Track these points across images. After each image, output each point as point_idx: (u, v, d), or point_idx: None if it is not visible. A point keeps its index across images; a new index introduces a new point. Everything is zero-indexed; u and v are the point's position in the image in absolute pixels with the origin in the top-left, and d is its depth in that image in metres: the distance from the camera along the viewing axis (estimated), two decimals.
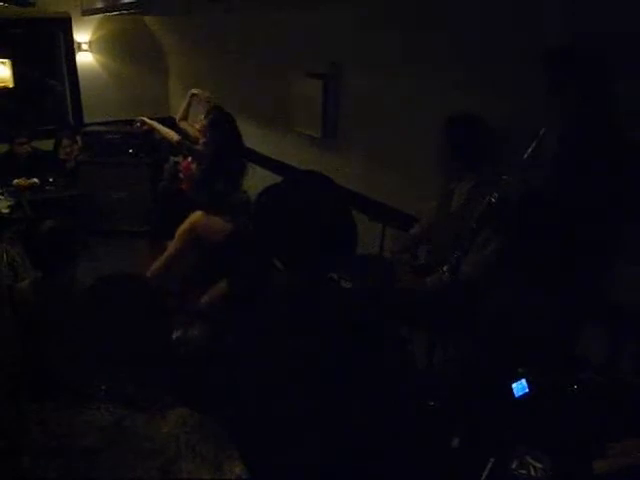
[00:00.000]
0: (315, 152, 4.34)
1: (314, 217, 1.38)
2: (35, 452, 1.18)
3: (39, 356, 2.19)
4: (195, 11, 4.99)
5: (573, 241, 2.14)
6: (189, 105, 4.32)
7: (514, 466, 1.62)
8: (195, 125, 4.12)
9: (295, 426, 1.37)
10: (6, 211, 4.99)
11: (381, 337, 1.50)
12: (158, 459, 1.19)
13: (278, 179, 1.51)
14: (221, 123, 3.77)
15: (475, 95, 2.77)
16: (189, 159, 3.97)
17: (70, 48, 6.40)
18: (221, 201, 3.67)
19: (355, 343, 1.37)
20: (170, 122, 5.64)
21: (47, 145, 6.06)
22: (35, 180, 5.53)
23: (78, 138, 6.08)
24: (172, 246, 3.24)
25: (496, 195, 2.24)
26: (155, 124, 4.19)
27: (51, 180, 5.67)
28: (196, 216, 3.13)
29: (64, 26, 6.31)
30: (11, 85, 6.21)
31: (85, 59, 6.52)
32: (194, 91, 4.27)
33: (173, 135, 4.02)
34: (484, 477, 1.61)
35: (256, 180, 4.51)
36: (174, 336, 2.13)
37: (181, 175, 4.13)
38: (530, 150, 2.13)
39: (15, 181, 5.41)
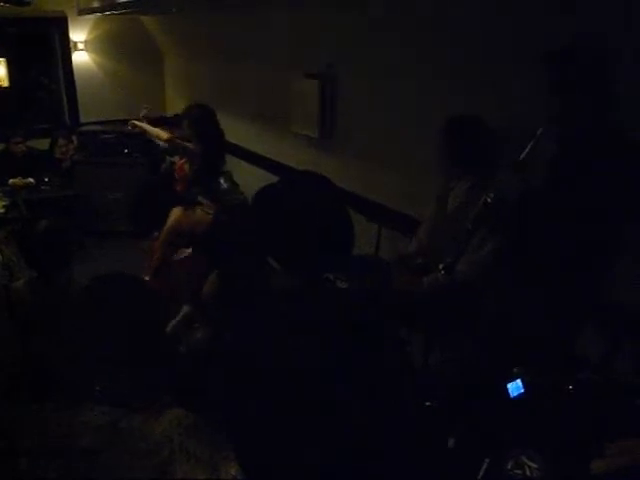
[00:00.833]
0: (312, 152, 4.34)
1: (311, 217, 1.38)
2: (34, 453, 1.18)
3: (35, 356, 2.19)
4: (191, 10, 4.98)
5: (571, 241, 2.15)
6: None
7: (509, 466, 1.62)
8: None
9: (293, 426, 1.37)
10: (1, 211, 4.98)
11: (380, 337, 1.50)
12: (154, 460, 1.18)
13: (275, 179, 1.51)
14: (203, 118, 3.79)
15: (475, 95, 2.78)
16: (183, 160, 3.96)
17: (66, 47, 6.40)
18: (216, 198, 3.68)
19: (354, 343, 1.37)
20: (165, 121, 5.66)
21: (43, 144, 6.05)
22: (31, 180, 5.52)
23: (74, 138, 6.07)
24: (160, 247, 3.23)
25: (492, 195, 2.23)
26: (145, 125, 4.17)
27: (47, 180, 5.66)
28: (177, 213, 3.12)
29: (60, 25, 6.31)
30: (7, 84, 6.19)
31: (81, 58, 6.51)
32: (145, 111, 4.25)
33: (162, 134, 4.00)
34: (479, 477, 1.62)
35: (253, 180, 4.52)
36: (179, 343, 2.13)
37: (176, 176, 4.13)
38: (527, 150, 2.13)
39: (10, 181, 5.40)
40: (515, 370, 1.85)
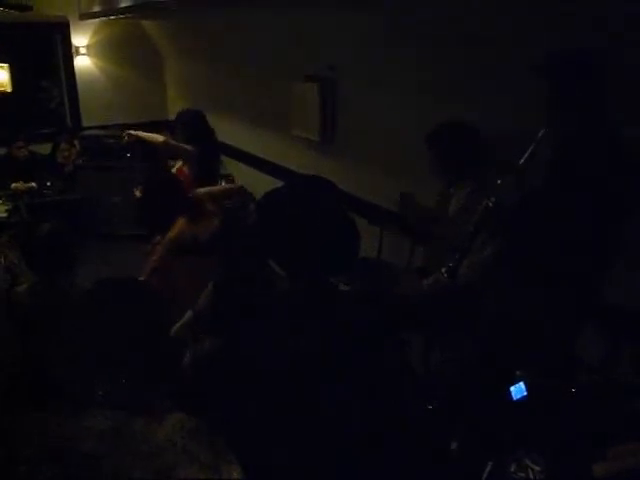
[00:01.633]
0: (313, 155, 4.35)
1: (316, 222, 1.38)
2: (35, 458, 1.18)
3: (38, 360, 2.19)
4: (192, 14, 5.00)
5: (571, 242, 2.15)
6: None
7: (512, 469, 1.62)
8: None
9: (294, 427, 1.37)
10: (4, 215, 4.99)
11: (381, 339, 1.50)
12: (156, 463, 1.18)
13: (276, 182, 1.52)
14: (194, 120, 3.84)
15: (475, 99, 2.79)
16: (180, 164, 3.97)
17: (68, 52, 6.42)
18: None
19: (355, 345, 1.37)
20: (167, 125, 5.66)
21: (45, 149, 6.06)
22: (33, 184, 5.52)
23: (76, 142, 6.08)
24: (161, 252, 3.21)
25: (493, 200, 2.24)
26: (140, 133, 4.15)
27: (49, 184, 5.67)
28: (180, 223, 3.11)
29: (62, 30, 6.33)
30: (9, 89, 6.20)
31: (83, 63, 6.54)
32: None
33: (158, 137, 4.00)
34: None
35: (254, 183, 4.52)
36: (185, 355, 2.13)
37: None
38: (528, 153, 2.14)
39: (13, 185, 5.41)
40: (518, 373, 1.85)
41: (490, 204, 2.24)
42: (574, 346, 2.35)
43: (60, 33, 6.35)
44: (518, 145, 2.18)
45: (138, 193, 3.57)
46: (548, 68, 2.16)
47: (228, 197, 3.72)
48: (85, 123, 6.58)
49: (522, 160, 2.14)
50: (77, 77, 6.54)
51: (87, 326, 1.36)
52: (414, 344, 2.72)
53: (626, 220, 2.18)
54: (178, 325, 2.31)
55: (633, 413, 1.65)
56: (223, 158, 5.84)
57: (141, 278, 2.89)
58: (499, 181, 2.25)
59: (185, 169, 3.90)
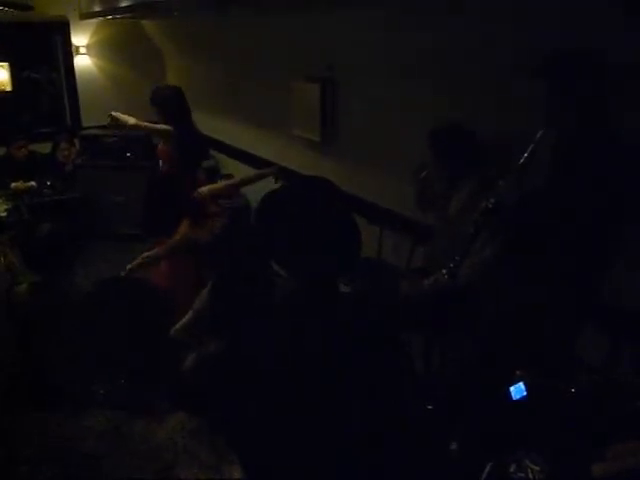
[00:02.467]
0: (314, 156, 4.35)
1: (317, 222, 1.38)
2: (35, 459, 1.18)
3: (38, 360, 2.19)
4: (192, 14, 4.99)
5: (571, 242, 2.15)
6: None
7: (512, 469, 1.62)
8: None
9: (295, 427, 1.37)
10: (3, 214, 4.98)
11: (381, 339, 1.50)
12: (157, 463, 1.18)
13: (277, 183, 1.52)
14: (168, 98, 3.77)
15: (475, 99, 2.78)
16: (161, 144, 3.90)
17: (68, 52, 6.42)
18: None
19: (355, 345, 1.37)
20: None
21: (45, 148, 6.06)
22: (33, 183, 5.52)
23: (76, 141, 6.09)
24: (160, 253, 3.20)
25: (492, 200, 2.25)
26: (119, 115, 4.00)
27: (49, 183, 5.66)
28: (184, 228, 3.10)
29: (62, 30, 6.33)
30: (9, 88, 6.21)
31: (83, 62, 6.54)
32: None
33: (130, 120, 3.86)
34: None
35: (255, 184, 4.50)
36: (189, 358, 2.13)
37: (160, 162, 4.07)
38: (527, 153, 2.14)
39: (13, 184, 5.41)
40: (518, 373, 1.85)
41: (490, 204, 2.24)
42: (574, 346, 2.35)
43: (60, 32, 6.35)
44: (518, 145, 2.18)
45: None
46: (548, 68, 2.17)
47: (231, 194, 3.70)
48: (85, 122, 6.58)
49: (522, 160, 2.14)
50: (77, 76, 6.54)
51: (87, 326, 1.36)
52: (414, 344, 2.72)
53: (626, 220, 2.18)
54: (178, 326, 2.31)
55: (633, 413, 1.65)
56: (223, 158, 5.86)
57: (122, 273, 2.86)
58: (501, 182, 2.25)
59: (166, 148, 3.83)
